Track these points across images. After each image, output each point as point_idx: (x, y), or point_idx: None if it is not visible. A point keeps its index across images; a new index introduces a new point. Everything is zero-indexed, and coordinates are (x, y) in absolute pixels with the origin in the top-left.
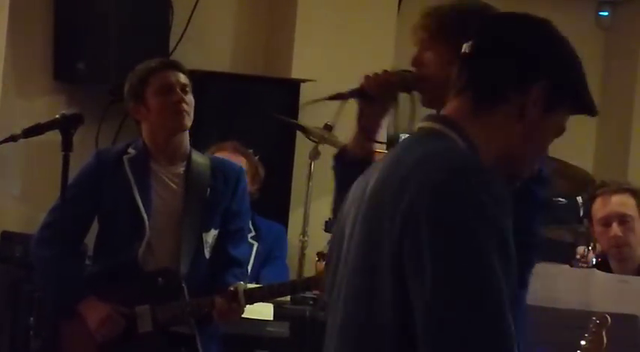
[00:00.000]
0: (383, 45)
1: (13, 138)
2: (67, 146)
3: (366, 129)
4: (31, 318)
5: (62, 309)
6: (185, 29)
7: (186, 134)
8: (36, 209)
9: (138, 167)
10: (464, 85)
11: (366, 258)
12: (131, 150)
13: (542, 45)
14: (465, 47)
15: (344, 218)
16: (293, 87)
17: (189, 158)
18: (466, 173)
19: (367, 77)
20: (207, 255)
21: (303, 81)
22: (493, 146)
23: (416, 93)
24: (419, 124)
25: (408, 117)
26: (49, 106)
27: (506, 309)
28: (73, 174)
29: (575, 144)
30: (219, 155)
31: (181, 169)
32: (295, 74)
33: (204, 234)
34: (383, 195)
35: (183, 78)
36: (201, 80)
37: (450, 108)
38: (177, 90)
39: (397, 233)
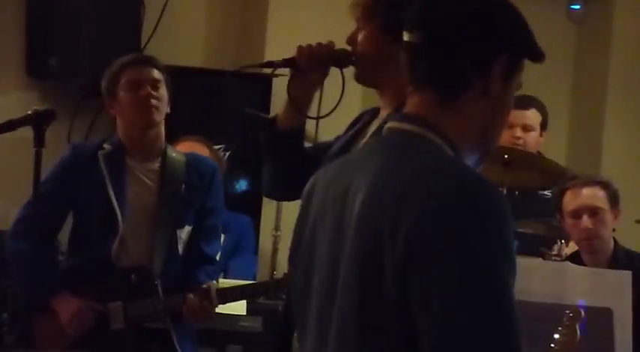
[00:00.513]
0: None
1: None
2: (39, 142)
3: (296, 101)
4: (4, 314)
5: (36, 303)
6: (157, 25)
7: (161, 129)
8: (8, 205)
9: (113, 163)
10: (423, 79)
11: (363, 277)
12: (107, 146)
13: (490, 17)
14: (411, 37)
15: (313, 217)
16: (265, 82)
17: (164, 154)
18: (473, 187)
19: (300, 47)
20: (180, 251)
21: (275, 76)
22: (466, 133)
23: (346, 71)
24: (388, 124)
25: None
26: (21, 102)
27: (517, 323)
28: (45, 170)
29: (547, 137)
30: (184, 147)
31: (156, 165)
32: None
33: (178, 231)
34: (378, 211)
35: (156, 73)
36: (173, 75)
37: (414, 104)
38: (146, 85)
39: (401, 251)
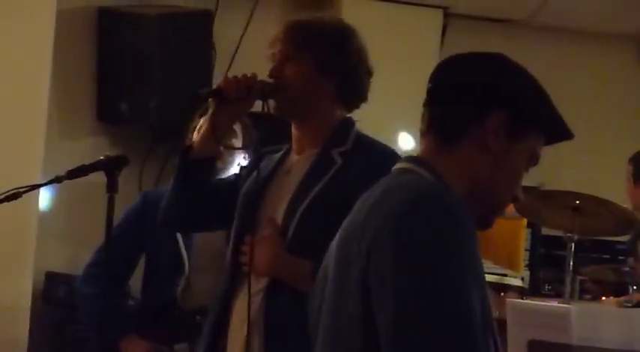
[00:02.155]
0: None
1: (57, 180)
2: (111, 187)
3: (217, 130)
4: None
5: (105, 346)
6: (228, 69)
7: None
8: (80, 250)
9: None
10: (426, 128)
11: (339, 289)
12: None
13: (492, 75)
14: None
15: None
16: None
17: None
18: (428, 199)
19: (227, 79)
20: None
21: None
22: (464, 181)
23: (271, 102)
24: (396, 166)
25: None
26: (92, 147)
27: (475, 332)
28: (116, 215)
29: (616, 182)
30: None
31: None
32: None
33: None
34: (354, 225)
35: None
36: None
37: (421, 148)
38: None
39: (362, 267)
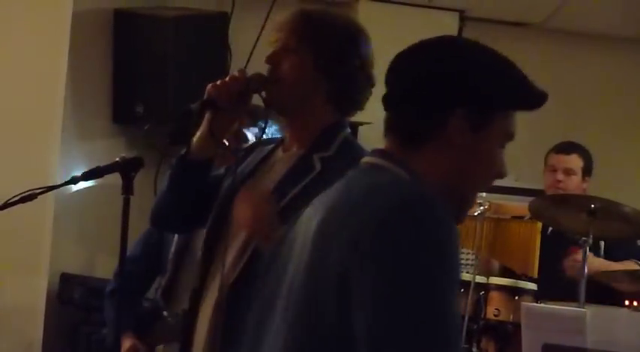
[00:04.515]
0: None
1: (73, 181)
2: (127, 189)
3: (215, 133)
4: None
5: (113, 343)
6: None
7: None
8: (95, 252)
9: None
10: (386, 129)
11: (309, 288)
12: None
13: (444, 74)
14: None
15: (286, 254)
16: (351, 129)
17: None
18: (410, 207)
19: (215, 85)
20: None
21: (361, 124)
22: (435, 177)
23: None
24: (362, 159)
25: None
26: (107, 149)
27: (454, 335)
28: (132, 217)
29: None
30: None
31: None
32: (353, 117)
33: None
34: (331, 227)
35: None
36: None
37: (387, 143)
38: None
39: (338, 271)
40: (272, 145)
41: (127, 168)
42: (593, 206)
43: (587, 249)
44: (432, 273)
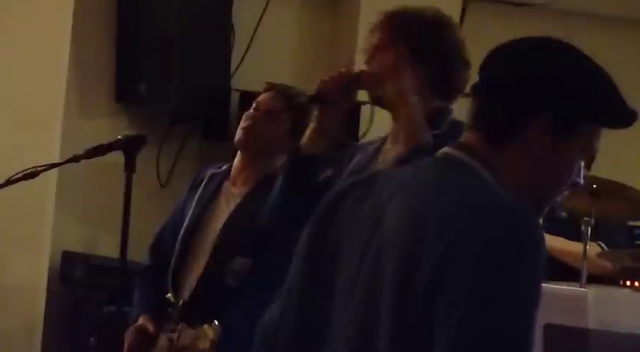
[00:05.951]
0: None
1: (75, 159)
2: (129, 167)
3: (325, 128)
4: (92, 339)
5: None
6: (247, 50)
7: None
8: (97, 230)
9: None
10: (471, 122)
11: (396, 297)
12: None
13: (539, 76)
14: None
15: (336, 235)
16: (352, 109)
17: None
18: (514, 222)
19: (324, 81)
20: None
21: (364, 103)
22: (515, 181)
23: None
24: (442, 150)
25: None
26: (110, 127)
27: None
28: (135, 195)
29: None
30: None
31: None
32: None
33: None
34: (414, 233)
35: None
36: None
37: (469, 137)
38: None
39: (428, 276)
40: (376, 144)
41: (129, 146)
42: (595, 186)
43: (589, 229)
44: (528, 286)
